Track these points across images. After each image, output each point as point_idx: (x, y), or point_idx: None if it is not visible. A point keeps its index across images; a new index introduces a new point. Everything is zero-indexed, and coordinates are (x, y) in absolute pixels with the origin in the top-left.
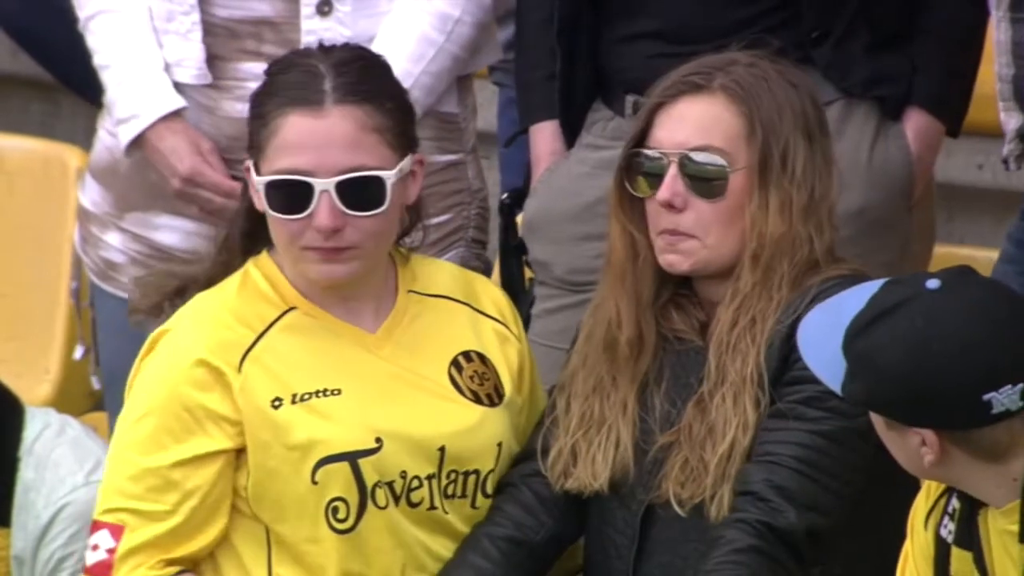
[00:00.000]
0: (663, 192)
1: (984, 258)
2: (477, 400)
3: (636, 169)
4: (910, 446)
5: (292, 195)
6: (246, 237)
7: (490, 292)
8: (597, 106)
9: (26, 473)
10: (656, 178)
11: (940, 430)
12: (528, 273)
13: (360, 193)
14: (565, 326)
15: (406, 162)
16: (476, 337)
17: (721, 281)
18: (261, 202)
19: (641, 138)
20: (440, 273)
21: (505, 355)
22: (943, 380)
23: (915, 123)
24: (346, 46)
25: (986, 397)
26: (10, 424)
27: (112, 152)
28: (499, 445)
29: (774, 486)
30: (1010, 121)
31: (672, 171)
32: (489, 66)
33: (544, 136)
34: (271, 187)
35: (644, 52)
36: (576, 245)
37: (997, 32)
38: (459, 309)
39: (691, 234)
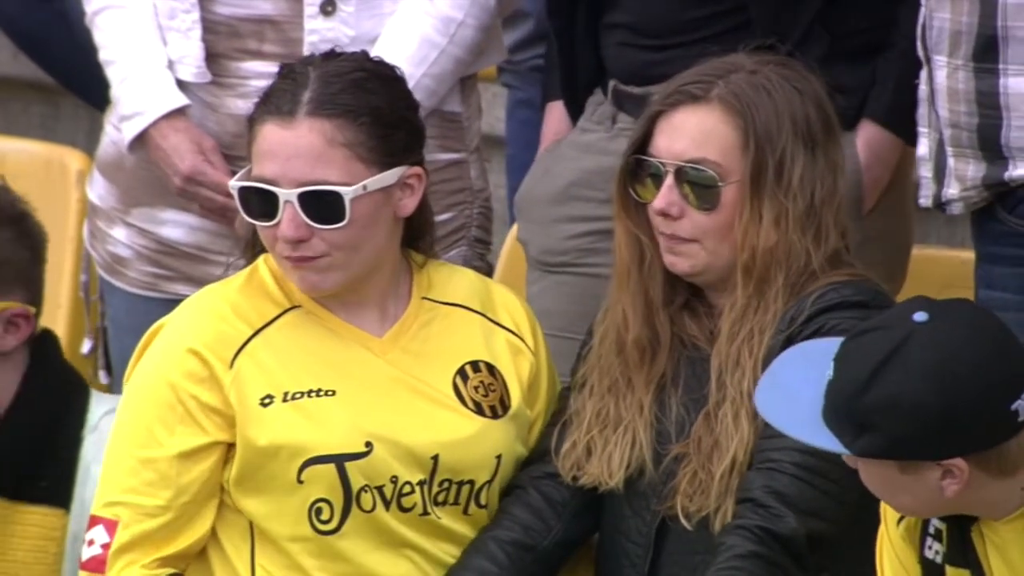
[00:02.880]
0: (659, 201)
1: None
2: (479, 411)
3: (638, 174)
4: (928, 485)
5: (262, 202)
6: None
7: (508, 303)
8: (597, 89)
9: (89, 450)
10: (657, 182)
11: (971, 454)
12: None
13: (322, 206)
14: (543, 309)
15: (388, 175)
16: (487, 347)
17: (724, 288)
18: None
19: (643, 143)
20: (458, 281)
21: (516, 367)
22: (974, 402)
23: (866, 135)
24: (353, 55)
25: (1013, 406)
26: (76, 405)
27: (118, 147)
28: (498, 457)
29: (773, 492)
30: (968, 169)
31: (669, 181)
32: (498, 67)
33: (553, 115)
34: (241, 192)
35: (616, 40)
36: (551, 226)
37: (949, 80)
38: (473, 318)
39: (690, 239)
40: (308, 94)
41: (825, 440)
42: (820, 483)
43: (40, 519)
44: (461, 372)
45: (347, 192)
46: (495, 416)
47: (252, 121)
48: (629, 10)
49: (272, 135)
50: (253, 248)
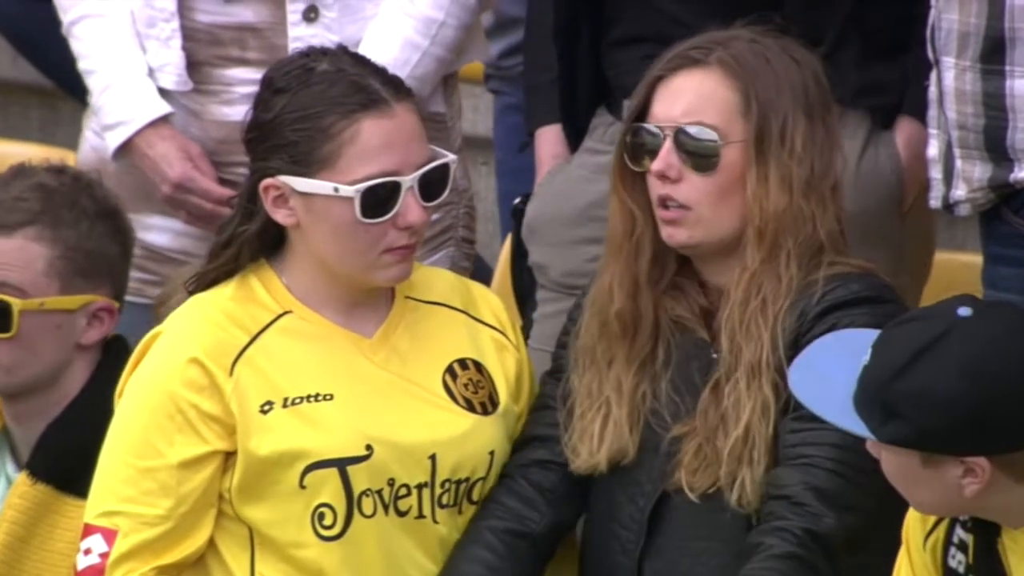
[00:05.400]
0: (657, 163)
1: None
2: (470, 408)
3: (636, 143)
4: (948, 481)
5: (382, 198)
6: (258, 242)
7: (488, 300)
8: (600, 111)
9: None
10: (654, 152)
11: (995, 455)
12: None
13: (433, 183)
14: (560, 331)
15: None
16: (473, 345)
17: (723, 260)
18: (340, 213)
19: (642, 112)
20: (438, 280)
21: (502, 363)
22: (1006, 402)
23: (906, 132)
24: (344, 49)
25: None
26: None
27: (99, 152)
28: (491, 454)
29: (811, 488)
30: (974, 170)
31: (667, 145)
32: (485, 74)
33: (547, 140)
34: (365, 195)
35: (637, 55)
36: (572, 248)
37: (957, 81)
38: (456, 317)
39: (686, 205)
40: (376, 82)
41: (852, 423)
42: (855, 477)
43: (82, 513)
44: (450, 370)
45: (454, 161)
46: (486, 413)
47: (330, 129)
48: (648, 26)
49: (378, 129)
50: (237, 260)
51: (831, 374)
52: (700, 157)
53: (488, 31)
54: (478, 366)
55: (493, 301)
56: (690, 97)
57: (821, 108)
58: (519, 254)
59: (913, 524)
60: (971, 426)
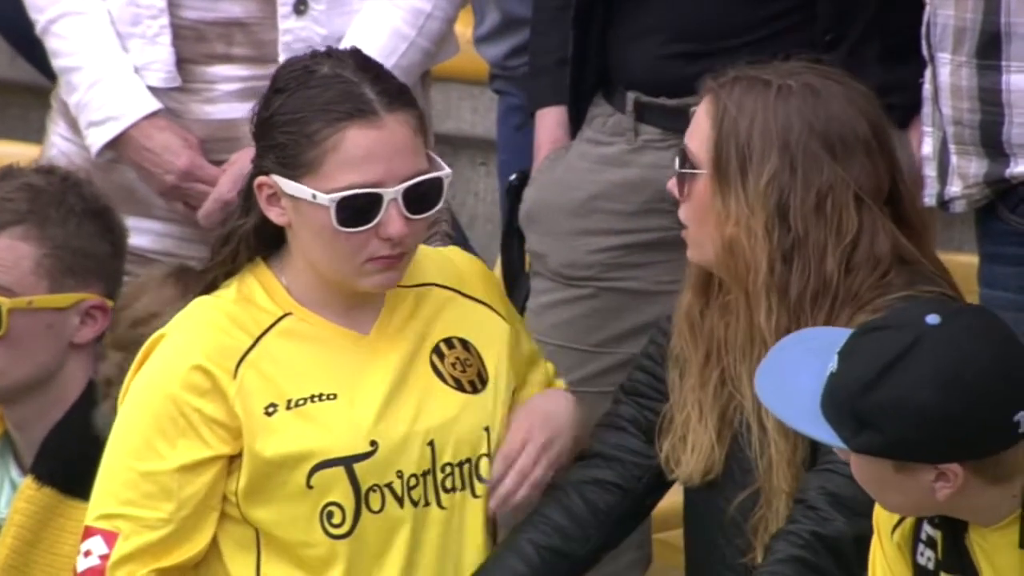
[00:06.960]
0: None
1: None
2: (459, 387)
3: None
4: (921, 486)
5: (361, 208)
6: (256, 239)
7: (476, 272)
8: (598, 100)
9: None
10: None
11: (969, 461)
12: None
13: (422, 196)
14: (558, 321)
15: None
16: (459, 322)
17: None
18: (320, 219)
19: None
20: (423, 261)
21: (491, 337)
22: (978, 410)
23: (921, 131)
24: (352, 51)
25: (1016, 417)
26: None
27: (69, 157)
28: (487, 430)
29: (827, 493)
30: (970, 166)
31: (676, 163)
32: (491, 74)
33: (547, 123)
34: (342, 203)
35: (651, 52)
36: (572, 239)
37: (953, 77)
38: (442, 295)
39: (682, 223)
40: (371, 91)
41: (823, 433)
42: None
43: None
44: (436, 350)
45: (447, 176)
46: (475, 391)
47: (315, 134)
48: (672, 14)
49: (363, 139)
50: (235, 258)
51: (796, 379)
52: (679, 182)
53: (494, 31)
54: (464, 344)
55: (480, 272)
56: (693, 122)
57: (826, 154)
58: (510, 231)
59: (880, 513)
60: (945, 435)
